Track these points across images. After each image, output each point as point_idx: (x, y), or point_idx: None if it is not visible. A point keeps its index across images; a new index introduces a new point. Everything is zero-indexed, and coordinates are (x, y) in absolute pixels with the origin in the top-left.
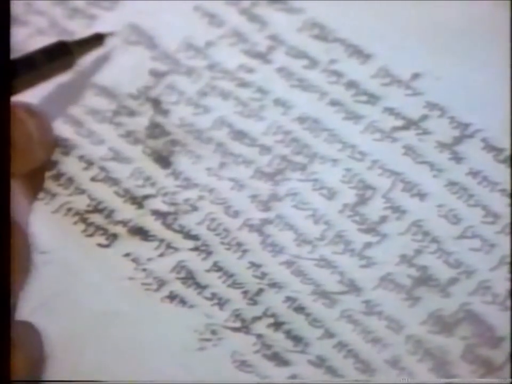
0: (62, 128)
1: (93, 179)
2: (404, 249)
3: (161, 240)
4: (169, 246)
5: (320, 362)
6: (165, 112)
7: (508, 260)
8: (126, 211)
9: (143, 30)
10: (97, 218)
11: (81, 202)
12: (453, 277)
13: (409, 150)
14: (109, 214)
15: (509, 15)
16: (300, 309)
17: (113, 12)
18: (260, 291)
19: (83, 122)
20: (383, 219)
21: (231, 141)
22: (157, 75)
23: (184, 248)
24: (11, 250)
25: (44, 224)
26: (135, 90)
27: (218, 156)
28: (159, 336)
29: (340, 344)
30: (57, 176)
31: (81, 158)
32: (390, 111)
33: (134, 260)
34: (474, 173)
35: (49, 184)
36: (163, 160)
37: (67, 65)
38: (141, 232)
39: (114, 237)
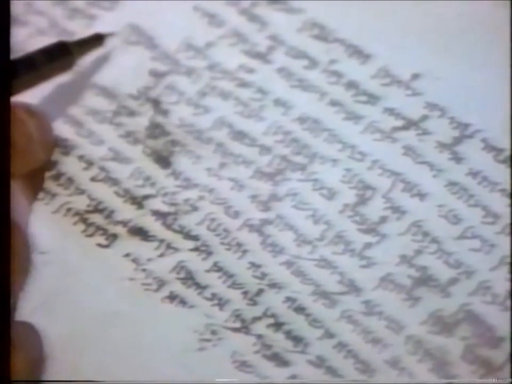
0: (62, 129)
1: (93, 179)
2: (404, 249)
3: (161, 241)
4: (169, 246)
5: (320, 362)
6: (165, 113)
7: (508, 260)
8: (126, 211)
9: (143, 30)
10: (97, 219)
11: (81, 203)
12: (453, 277)
13: (409, 150)
14: (109, 214)
15: (509, 15)
16: (300, 309)
17: (113, 12)
18: (260, 291)
19: (83, 122)
20: (383, 219)
21: (231, 141)
22: (157, 75)
23: (184, 249)
24: (11, 251)
25: (43, 224)
26: (135, 90)
27: (218, 156)
28: (159, 336)
29: (340, 345)
30: (57, 176)
31: (81, 158)
32: (390, 111)
33: (134, 260)
34: (474, 173)
35: (49, 184)
36: (163, 160)
37: (67, 66)
38: (141, 233)
39: (114, 237)
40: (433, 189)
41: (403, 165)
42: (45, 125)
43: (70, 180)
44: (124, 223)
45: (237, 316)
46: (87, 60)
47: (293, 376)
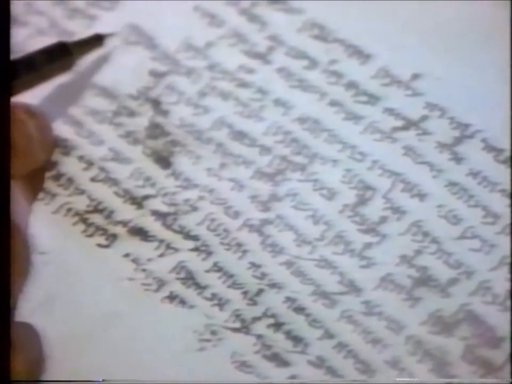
0: (62, 129)
1: (93, 179)
2: (404, 249)
3: (161, 241)
4: (169, 247)
5: (320, 362)
6: (165, 113)
7: (508, 260)
8: (126, 211)
9: (143, 31)
10: (97, 219)
11: (81, 203)
12: (453, 277)
13: (409, 151)
14: (109, 214)
15: (509, 15)
16: (299, 310)
17: (113, 12)
18: (260, 291)
19: (83, 122)
20: (383, 219)
21: (231, 141)
22: (157, 75)
23: (184, 249)
24: (10, 252)
25: (43, 224)
26: (135, 90)
27: (218, 156)
28: (159, 336)
29: (339, 345)
30: (57, 177)
31: (81, 158)
32: (390, 111)
33: (134, 260)
34: (474, 174)
35: (49, 184)
36: (163, 160)
37: (67, 66)
38: (140, 233)
39: (114, 237)
40: (433, 189)
41: (403, 165)
42: (45, 125)
43: (70, 180)
44: (123, 223)
45: (237, 316)
46: (87, 60)
47: (293, 377)
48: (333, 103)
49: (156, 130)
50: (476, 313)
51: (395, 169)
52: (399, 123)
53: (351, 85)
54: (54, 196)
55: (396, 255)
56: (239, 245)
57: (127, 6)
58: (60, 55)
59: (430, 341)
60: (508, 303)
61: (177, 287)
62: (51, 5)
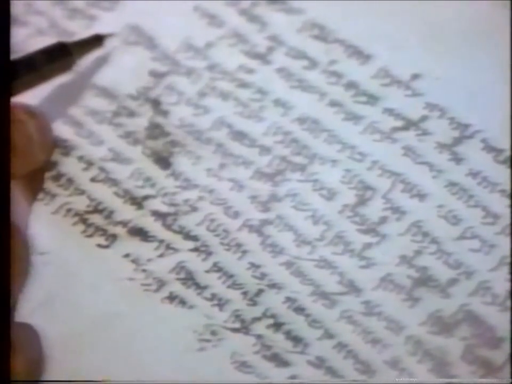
0: (61, 129)
1: (93, 180)
2: (403, 249)
3: (161, 241)
4: (169, 247)
5: (319, 363)
6: (165, 113)
7: (508, 260)
8: (126, 212)
9: (142, 31)
10: (97, 219)
11: (81, 203)
12: (452, 277)
13: (409, 151)
14: (109, 214)
15: (509, 15)
16: (299, 310)
17: (113, 12)
18: (260, 292)
19: (83, 123)
20: (383, 220)
21: (230, 141)
22: (157, 76)
23: (184, 249)
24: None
25: (43, 224)
26: (134, 91)
27: (218, 156)
28: (159, 336)
29: (339, 345)
30: (57, 177)
31: (81, 158)
32: (389, 111)
33: (133, 261)
34: (474, 174)
35: (49, 184)
36: (163, 160)
37: (66, 66)
38: (140, 233)
39: (114, 237)
40: (433, 190)
41: (403, 165)
42: (45, 125)
43: (70, 181)
44: (123, 224)
45: (237, 316)
46: (87, 60)
47: (293, 377)
48: (333, 103)
49: (155, 131)
50: (476, 313)
51: (395, 170)
52: (399, 123)
53: (351, 85)
54: (53, 196)
55: (395, 255)
56: (238, 245)
57: (127, 6)
58: (60, 55)
59: (430, 341)
60: (508, 303)
61: (177, 287)
62: (51, 5)
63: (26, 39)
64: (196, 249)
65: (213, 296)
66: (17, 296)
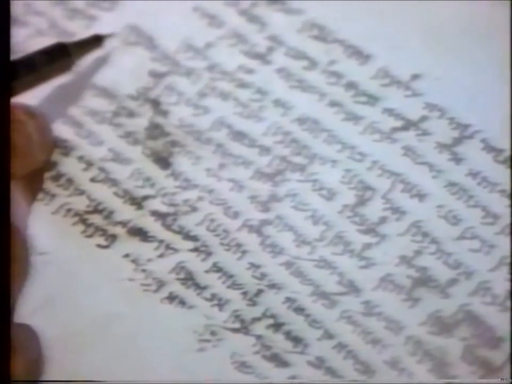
0: (61, 129)
1: (93, 180)
2: (403, 250)
3: (161, 241)
4: (168, 247)
5: (319, 363)
6: (165, 113)
7: (508, 260)
8: (126, 212)
9: (142, 31)
10: (96, 219)
11: (80, 203)
12: (452, 277)
13: (408, 151)
14: (109, 214)
15: (508, 15)
16: (299, 310)
17: (112, 12)
18: (260, 292)
19: (82, 123)
20: (383, 220)
21: (230, 141)
22: (157, 76)
23: (184, 249)
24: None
25: (43, 225)
26: (134, 91)
27: (218, 156)
28: (158, 337)
29: (339, 345)
30: (57, 177)
31: (80, 158)
32: (389, 111)
33: (133, 261)
34: (474, 174)
35: (49, 185)
36: (163, 161)
37: (66, 67)
38: (140, 233)
39: (113, 237)
40: (433, 190)
41: (403, 165)
42: (45, 125)
43: (70, 181)
44: (123, 224)
45: (237, 316)
46: (86, 60)
47: (293, 377)
48: (333, 104)
49: (155, 131)
50: (476, 313)
51: (395, 170)
52: (399, 123)
53: (351, 85)
54: (53, 196)
55: (395, 255)
56: (238, 245)
57: (126, 6)
58: (59, 56)
59: (430, 341)
60: (508, 303)
61: (177, 288)
62: (51, 5)
63: (26, 40)
64: (195, 249)
65: (213, 296)
66: (17, 297)
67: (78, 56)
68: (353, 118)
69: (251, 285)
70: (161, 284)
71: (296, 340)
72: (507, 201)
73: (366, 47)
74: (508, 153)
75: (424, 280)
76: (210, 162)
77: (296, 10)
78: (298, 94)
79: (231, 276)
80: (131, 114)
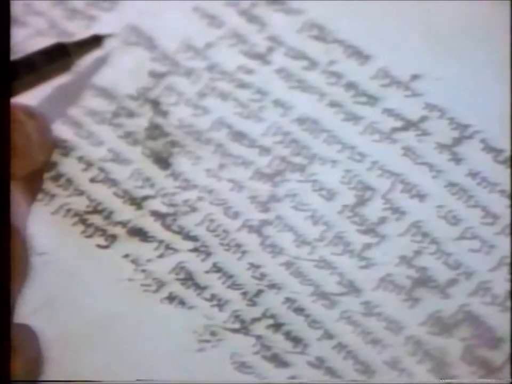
0: (61, 130)
1: (92, 180)
2: (403, 250)
3: (161, 241)
4: (168, 247)
5: (319, 363)
6: (164, 113)
7: (508, 260)
8: (125, 212)
9: (142, 31)
10: (96, 219)
11: (80, 203)
12: (452, 278)
13: (408, 151)
14: (108, 215)
15: (508, 15)
16: (299, 310)
17: (112, 12)
18: (259, 292)
19: (82, 123)
20: (383, 220)
21: (230, 142)
22: (156, 76)
23: (184, 249)
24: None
25: (43, 225)
26: (134, 91)
27: (218, 156)
28: (158, 337)
29: (339, 345)
30: (57, 177)
31: (80, 159)
32: (389, 112)
33: (133, 261)
34: (473, 174)
35: (49, 185)
36: (162, 161)
37: (66, 67)
38: (140, 233)
39: (113, 238)
40: (433, 190)
41: (402, 165)
42: (44, 126)
43: (69, 181)
44: (123, 224)
45: (236, 316)
46: (86, 60)
47: (293, 377)
48: (333, 104)
49: (155, 131)
50: (476, 313)
51: (394, 170)
52: (399, 124)
53: (351, 86)
54: (53, 196)
55: (395, 255)
56: (238, 245)
57: (126, 6)
58: (59, 56)
59: (430, 342)
60: (508, 303)
61: (177, 288)
62: (50, 6)
63: (26, 40)
64: (195, 250)
65: (213, 297)
66: (17, 297)
67: (78, 56)
68: (353, 118)
69: (251, 285)
70: (161, 284)
71: (296, 340)
72: (507, 201)
73: (366, 47)
74: (507, 153)
75: (424, 280)
76: (210, 162)
77: (296, 11)
78: (298, 94)
79: (231, 276)
80: (131, 114)
